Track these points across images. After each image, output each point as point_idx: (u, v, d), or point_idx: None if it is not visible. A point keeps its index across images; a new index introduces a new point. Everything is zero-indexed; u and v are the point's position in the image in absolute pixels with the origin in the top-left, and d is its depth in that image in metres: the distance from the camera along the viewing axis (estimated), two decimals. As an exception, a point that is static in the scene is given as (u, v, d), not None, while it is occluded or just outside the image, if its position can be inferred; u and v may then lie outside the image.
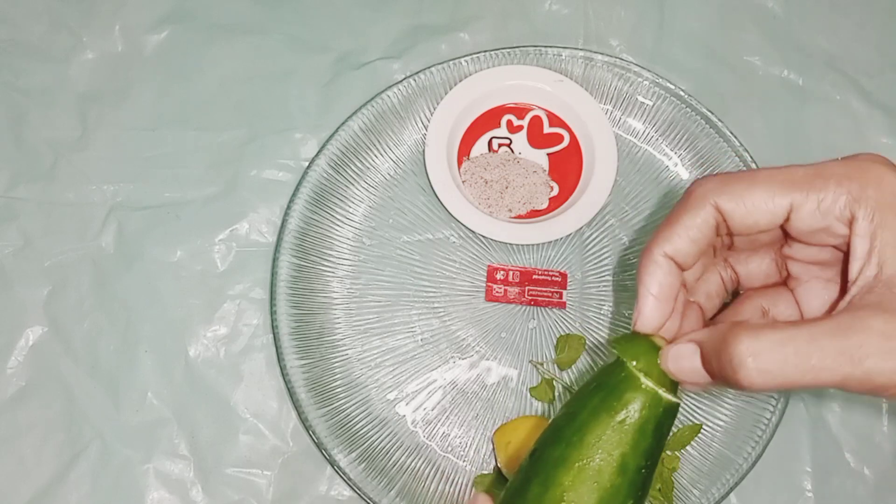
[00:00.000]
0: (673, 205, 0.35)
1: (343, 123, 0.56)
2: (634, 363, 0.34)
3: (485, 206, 0.56)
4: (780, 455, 0.53)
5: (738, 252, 0.38)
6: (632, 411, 0.33)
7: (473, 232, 0.55)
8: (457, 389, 0.54)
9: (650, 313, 0.35)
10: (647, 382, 0.33)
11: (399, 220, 0.57)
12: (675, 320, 0.36)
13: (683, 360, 0.33)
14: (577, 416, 0.34)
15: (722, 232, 0.34)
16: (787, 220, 0.33)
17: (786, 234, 0.35)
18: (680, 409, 0.53)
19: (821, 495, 0.53)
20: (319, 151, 0.56)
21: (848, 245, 0.32)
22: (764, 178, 0.33)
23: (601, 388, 0.34)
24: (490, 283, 0.55)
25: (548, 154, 0.57)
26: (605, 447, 0.33)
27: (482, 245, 0.56)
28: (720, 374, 0.32)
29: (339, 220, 0.56)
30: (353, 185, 0.56)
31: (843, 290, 0.33)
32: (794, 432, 0.54)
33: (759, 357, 0.30)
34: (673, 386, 0.34)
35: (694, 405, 0.54)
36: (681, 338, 0.34)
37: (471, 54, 0.57)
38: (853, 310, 0.31)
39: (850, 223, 0.32)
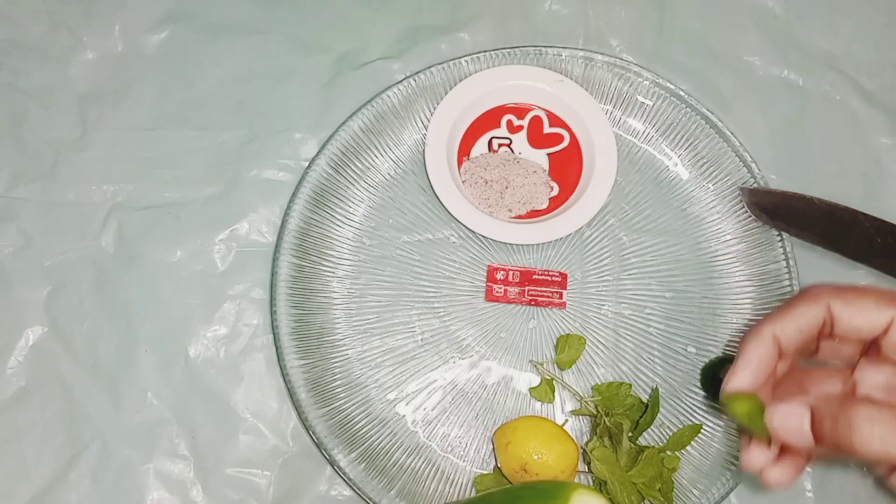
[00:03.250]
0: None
1: (343, 123, 0.56)
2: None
3: (485, 206, 0.56)
4: (780, 455, 0.53)
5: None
6: None
7: (473, 232, 0.55)
8: (457, 389, 0.54)
9: (741, 380, 0.38)
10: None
11: (399, 220, 0.57)
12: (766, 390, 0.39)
13: (792, 419, 0.35)
14: None
15: (825, 332, 0.38)
16: (885, 332, 0.36)
17: (872, 349, 0.38)
18: (680, 409, 0.54)
19: (821, 495, 0.53)
20: (319, 151, 0.56)
21: None
22: (874, 290, 0.37)
23: None
24: (490, 283, 0.55)
25: (548, 154, 0.57)
26: None
27: (482, 245, 0.56)
28: (832, 438, 0.33)
29: (339, 220, 0.56)
30: (353, 185, 0.56)
31: None
32: (794, 432, 0.54)
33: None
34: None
35: (694, 405, 0.54)
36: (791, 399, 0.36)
37: (471, 54, 0.57)
38: None
39: None
